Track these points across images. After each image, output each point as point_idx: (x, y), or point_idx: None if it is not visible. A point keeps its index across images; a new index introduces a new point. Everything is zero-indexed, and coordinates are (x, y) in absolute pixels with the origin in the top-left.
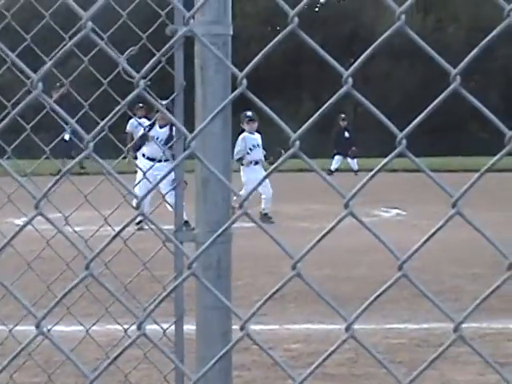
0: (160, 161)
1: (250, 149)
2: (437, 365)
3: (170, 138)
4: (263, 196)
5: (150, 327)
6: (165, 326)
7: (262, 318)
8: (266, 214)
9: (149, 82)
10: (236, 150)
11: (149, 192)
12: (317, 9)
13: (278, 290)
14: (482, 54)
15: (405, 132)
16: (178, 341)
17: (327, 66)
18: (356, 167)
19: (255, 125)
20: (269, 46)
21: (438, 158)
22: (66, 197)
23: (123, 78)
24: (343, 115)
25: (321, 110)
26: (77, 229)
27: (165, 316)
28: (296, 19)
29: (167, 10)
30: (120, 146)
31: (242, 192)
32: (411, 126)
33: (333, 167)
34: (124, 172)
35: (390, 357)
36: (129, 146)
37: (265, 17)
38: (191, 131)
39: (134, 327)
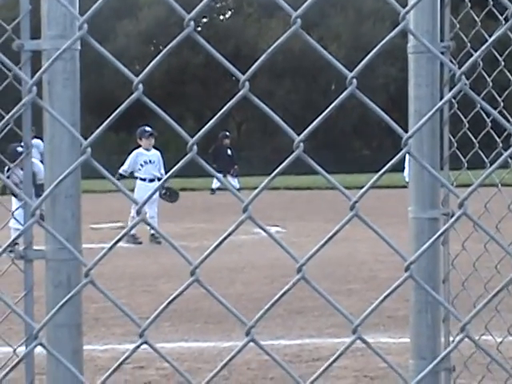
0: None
1: (141, 165)
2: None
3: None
4: (148, 215)
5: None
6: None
7: (136, 338)
8: (153, 235)
9: None
10: (123, 166)
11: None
12: (199, 28)
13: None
14: (364, 73)
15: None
16: (29, 360)
17: (211, 85)
18: (237, 186)
19: (153, 141)
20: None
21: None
22: None
23: None
24: (227, 133)
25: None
26: None
27: (19, 338)
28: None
29: (13, 24)
30: None
31: (132, 210)
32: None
33: (214, 186)
34: None
35: (263, 373)
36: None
37: (147, 37)
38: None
39: None
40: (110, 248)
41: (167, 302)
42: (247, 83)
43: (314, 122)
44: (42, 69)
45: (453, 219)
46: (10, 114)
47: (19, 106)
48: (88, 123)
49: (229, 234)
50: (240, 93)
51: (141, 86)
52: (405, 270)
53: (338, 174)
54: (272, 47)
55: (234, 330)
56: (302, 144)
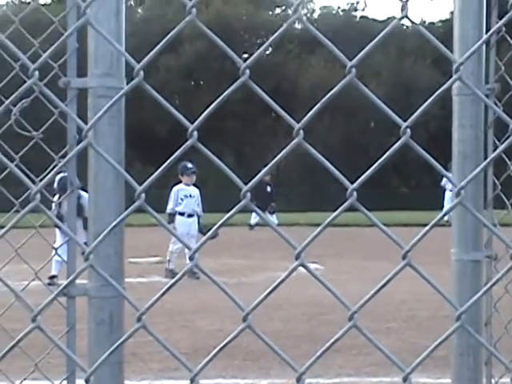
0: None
1: (182, 199)
2: None
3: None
4: (187, 250)
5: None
6: (57, 382)
7: (173, 373)
8: (191, 270)
9: (41, 135)
10: (169, 205)
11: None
12: None
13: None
14: (404, 109)
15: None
16: None
17: (250, 121)
18: (276, 222)
19: (194, 178)
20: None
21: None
22: None
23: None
24: None
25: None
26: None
27: (58, 372)
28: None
29: (60, 62)
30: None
31: (171, 245)
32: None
33: (252, 222)
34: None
35: None
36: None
37: (187, 71)
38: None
39: None
40: (163, 294)
41: (218, 348)
42: (301, 132)
43: (368, 171)
44: (96, 116)
45: (504, 270)
46: (64, 160)
47: (71, 155)
48: (128, 157)
49: (281, 282)
50: (295, 140)
51: (195, 133)
52: (456, 319)
53: (377, 211)
54: (327, 96)
55: (273, 368)
56: (355, 192)
